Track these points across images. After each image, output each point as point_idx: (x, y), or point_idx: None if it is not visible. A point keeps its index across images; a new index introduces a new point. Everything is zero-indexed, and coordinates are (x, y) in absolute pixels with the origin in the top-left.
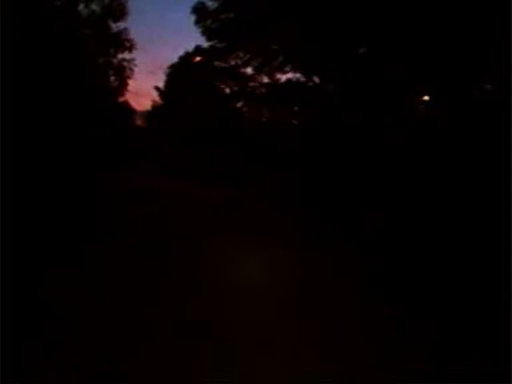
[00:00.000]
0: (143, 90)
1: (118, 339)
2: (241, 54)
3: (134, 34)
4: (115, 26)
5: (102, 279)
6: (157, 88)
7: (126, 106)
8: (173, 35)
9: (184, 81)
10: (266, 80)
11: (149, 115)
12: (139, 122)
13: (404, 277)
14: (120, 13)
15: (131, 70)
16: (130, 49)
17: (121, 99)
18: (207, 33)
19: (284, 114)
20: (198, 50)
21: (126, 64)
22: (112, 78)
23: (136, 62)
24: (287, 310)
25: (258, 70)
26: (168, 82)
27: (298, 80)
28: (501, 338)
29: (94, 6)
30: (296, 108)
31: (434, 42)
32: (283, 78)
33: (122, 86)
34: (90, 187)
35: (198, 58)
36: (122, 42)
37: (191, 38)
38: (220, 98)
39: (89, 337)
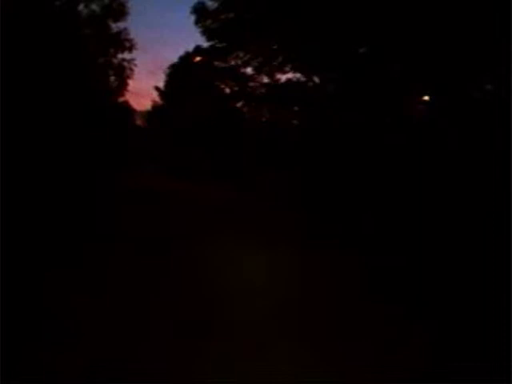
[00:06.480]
0: (143, 90)
1: (119, 339)
2: (241, 54)
3: (133, 34)
4: (115, 26)
5: (102, 279)
6: (157, 88)
7: (126, 106)
8: (173, 35)
9: (184, 81)
10: (266, 80)
11: (149, 115)
12: (139, 122)
13: (404, 277)
14: (120, 13)
15: (131, 70)
16: (130, 49)
17: (121, 99)
18: (207, 33)
19: (284, 114)
20: (198, 50)
21: (126, 64)
22: (112, 78)
23: (136, 62)
24: (287, 309)
25: (258, 70)
26: (168, 82)
27: (298, 80)
28: (501, 337)
29: (94, 6)
30: (296, 108)
31: (434, 42)
32: (283, 78)
33: (122, 85)
34: (90, 187)
35: (198, 58)
36: (122, 42)
37: (191, 38)
38: (220, 98)
39: (89, 337)
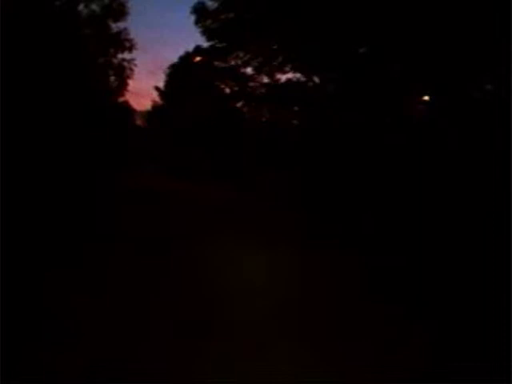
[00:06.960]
0: (143, 90)
1: (119, 339)
2: (241, 54)
3: (134, 34)
4: (115, 26)
5: (102, 279)
6: (157, 88)
7: (126, 106)
8: (173, 35)
9: (184, 81)
10: (266, 80)
11: (149, 115)
12: (139, 122)
13: (404, 277)
14: (120, 13)
15: (131, 70)
16: (130, 49)
17: (121, 99)
18: (207, 33)
19: (284, 114)
20: (198, 50)
21: (126, 64)
22: (112, 78)
23: (136, 62)
24: (287, 309)
25: (258, 70)
26: (168, 82)
27: (298, 80)
28: (501, 337)
29: (94, 6)
30: (296, 108)
31: (434, 42)
32: (283, 78)
33: (122, 85)
34: (90, 187)
35: (198, 58)
36: (122, 42)
37: (191, 38)
38: (220, 98)
39: (89, 337)
